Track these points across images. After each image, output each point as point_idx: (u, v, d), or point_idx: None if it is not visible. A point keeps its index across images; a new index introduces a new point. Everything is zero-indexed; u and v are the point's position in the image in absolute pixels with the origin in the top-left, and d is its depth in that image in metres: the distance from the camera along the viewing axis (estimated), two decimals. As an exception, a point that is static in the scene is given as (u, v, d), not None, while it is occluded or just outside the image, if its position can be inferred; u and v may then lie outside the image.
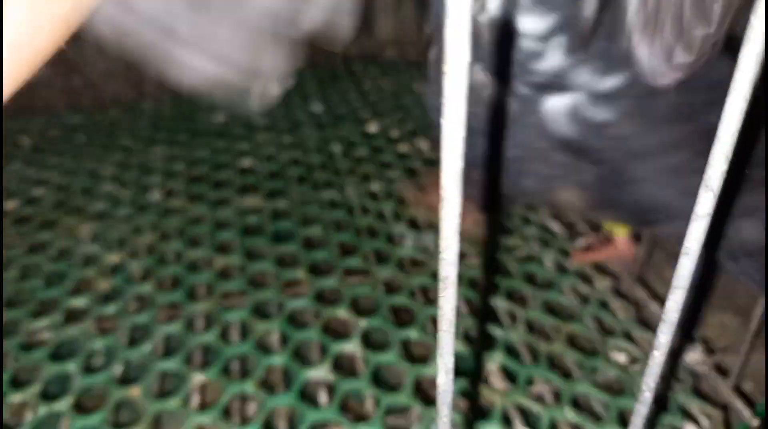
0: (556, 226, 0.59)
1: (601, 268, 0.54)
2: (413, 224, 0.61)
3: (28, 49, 0.20)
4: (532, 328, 0.48)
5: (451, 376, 0.16)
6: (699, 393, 0.42)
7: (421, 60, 1.09)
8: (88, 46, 0.98)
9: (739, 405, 0.41)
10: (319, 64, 1.03)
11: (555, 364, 0.45)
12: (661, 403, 0.41)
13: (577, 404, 0.42)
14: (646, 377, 0.19)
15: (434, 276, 0.54)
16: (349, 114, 0.84)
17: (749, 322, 0.41)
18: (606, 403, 0.41)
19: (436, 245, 0.59)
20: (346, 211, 0.63)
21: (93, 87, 0.99)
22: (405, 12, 1.10)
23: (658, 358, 0.18)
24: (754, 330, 0.41)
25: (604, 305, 0.50)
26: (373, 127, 0.81)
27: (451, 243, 0.14)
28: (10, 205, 0.68)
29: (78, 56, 0.99)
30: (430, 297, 0.51)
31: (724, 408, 0.41)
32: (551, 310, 0.49)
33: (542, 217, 0.61)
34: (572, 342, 0.46)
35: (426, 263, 0.55)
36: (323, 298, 0.51)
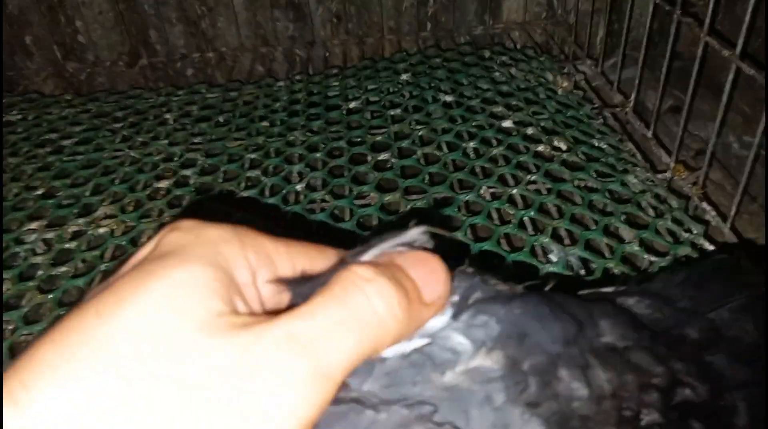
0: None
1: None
2: (557, 238, 0.59)
3: None
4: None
5: None
6: None
7: (548, 46, 1.04)
8: (221, 19, 1.00)
9: None
10: (445, 47, 1.01)
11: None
12: None
13: None
14: None
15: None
16: (481, 106, 0.82)
17: None
18: None
19: (580, 265, 0.58)
20: (485, 218, 0.62)
21: (224, 61, 1.02)
22: (534, -7, 1.06)
23: None
24: None
25: None
26: (507, 122, 0.79)
27: None
28: (162, 184, 0.72)
29: (210, 30, 1.02)
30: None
31: None
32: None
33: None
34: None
35: (574, 284, 0.54)
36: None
